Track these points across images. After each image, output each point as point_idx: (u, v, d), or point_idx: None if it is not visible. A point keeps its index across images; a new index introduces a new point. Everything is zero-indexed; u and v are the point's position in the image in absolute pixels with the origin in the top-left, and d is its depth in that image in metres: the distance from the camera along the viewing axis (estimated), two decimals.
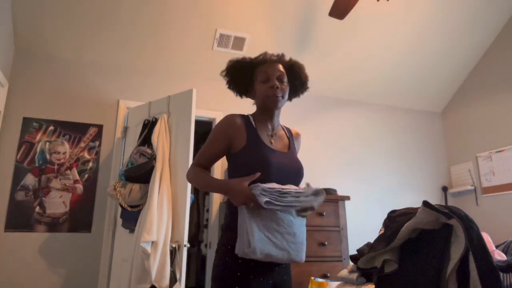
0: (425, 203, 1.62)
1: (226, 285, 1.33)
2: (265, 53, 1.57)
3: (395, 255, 1.80)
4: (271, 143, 1.50)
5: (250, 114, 1.56)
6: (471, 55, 4.43)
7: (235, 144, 1.46)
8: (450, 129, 4.87)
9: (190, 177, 1.51)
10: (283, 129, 1.63)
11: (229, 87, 1.61)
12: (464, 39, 4.22)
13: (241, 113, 1.54)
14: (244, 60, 1.55)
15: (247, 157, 1.43)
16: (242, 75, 1.55)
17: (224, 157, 1.54)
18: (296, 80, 1.58)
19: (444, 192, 4.63)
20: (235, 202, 1.34)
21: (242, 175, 1.38)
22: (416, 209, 1.88)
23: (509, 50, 4.16)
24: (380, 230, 2.17)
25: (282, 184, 1.39)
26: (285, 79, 1.52)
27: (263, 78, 1.49)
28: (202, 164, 1.51)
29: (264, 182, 1.35)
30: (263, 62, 1.53)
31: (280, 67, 1.53)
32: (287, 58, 1.58)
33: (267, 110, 1.53)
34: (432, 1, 3.76)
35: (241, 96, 1.62)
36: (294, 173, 1.48)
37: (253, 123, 1.51)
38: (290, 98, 1.62)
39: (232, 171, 1.50)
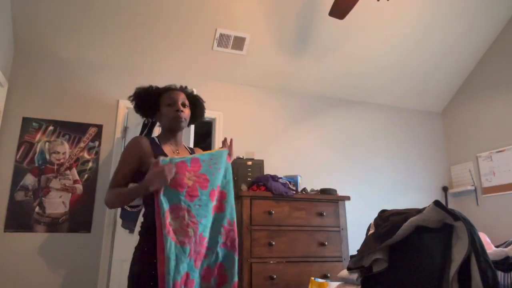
0: (437, 203, 1.65)
1: (142, 283, 1.46)
2: (170, 85, 1.80)
3: (386, 255, 1.81)
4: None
5: (156, 136, 1.74)
6: (471, 55, 4.43)
7: (144, 163, 1.59)
8: (450, 129, 4.86)
9: (110, 200, 1.56)
10: (186, 149, 1.83)
11: (136, 111, 1.80)
12: (464, 40, 4.22)
13: (147, 135, 1.76)
14: (151, 88, 1.76)
15: None
16: (149, 100, 1.74)
17: None
18: (197, 109, 1.84)
19: (444, 192, 4.63)
20: (158, 184, 1.45)
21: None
22: (406, 210, 1.89)
23: (509, 50, 4.15)
24: (370, 230, 2.17)
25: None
26: (187, 106, 1.76)
27: (169, 102, 1.70)
28: (118, 185, 1.59)
29: None
30: (169, 89, 1.76)
31: (183, 95, 1.76)
32: (190, 90, 1.84)
33: (172, 131, 1.74)
34: (432, 2, 3.75)
35: (147, 118, 1.82)
36: None
37: (158, 142, 1.68)
38: (189, 124, 1.83)
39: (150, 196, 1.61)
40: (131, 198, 1.54)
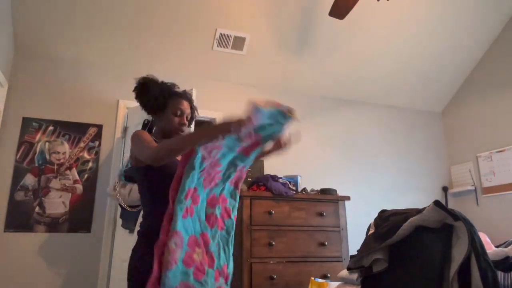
0: (437, 203, 1.65)
1: (142, 284, 1.42)
2: (175, 85, 1.75)
3: (386, 255, 1.81)
4: None
5: (151, 134, 1.70)
6: (471, 55, 4.43)
7: None
8: (450, 129, 4.86)
9: (164, 150, 1.43)
10: None
11: (138, 101, 1.71)
12: (464, 40, 4.22)
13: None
14: (162, 86, 1.69)
15: (159, 169, 1.53)
16: (155, 94, 1.66)
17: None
18: (190, 119, 1.80)
19: (444, 192, 4.63)
20: (234, 131, 1.40)
21: (153, 189, 1.56)
22: (406, 210, 1.89)
23: (509, 50, 4.15)
24: (370, 230, 2.17)
25: None
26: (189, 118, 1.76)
27: (178, 112, 1.69)
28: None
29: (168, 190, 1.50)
30: (179, 96, 1.72)
31: (189, 106, 1.75)
32: (192, 98, 1.81)
33: (168, 137, 1.69)
34: (432, 2, 3.75)
35: (149, 112, 1.72)
36: None
37: (157, 141, 1.65)
38: None
39: (145, 188, 1.61)
40: (197, 142, 1.42)
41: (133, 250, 1.56)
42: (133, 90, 1.71)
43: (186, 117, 1.73)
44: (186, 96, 1.75)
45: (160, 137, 1.72)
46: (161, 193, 1.53)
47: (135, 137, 1.58)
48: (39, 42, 3.41)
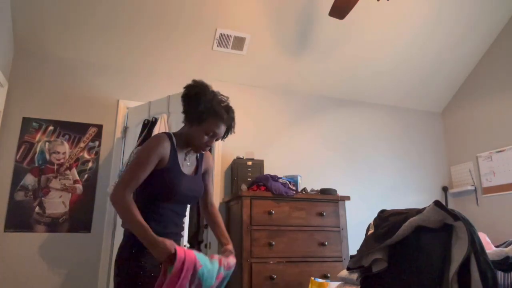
0: (437, 203, 1.65)
1: (132, 281, 1.46)
2: (224, 101, 1.69)
3: (385, 255, 1.81)
4: (183, 165, 1.68)
5: (173, 133, 1.69)
6: (471, 55, 4.43)
7: (159, 163, 1.58)
8: (450, 129, 4.86)
9: (120, 206, 1.45)
10: (196, 155, 1.80)
11: (184, 102, 1.67)
12: (464, 40, 4.22)
13: (169, 136, 1.64)
14: (214, 99, 1.64)
15: (163, 178, 1.57)
16: (202, 109, 1.61)
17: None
18: (224, 135, 1.75)
19: (444, 192, 4.63)
20: (158, 257, 1.41)
21: (151, 192, 1.57)
22: (406, 210, 1.89)
23: (509, 50, 4.15)
24: (369, 230, 2.17)
25: (180, 203, 1.65)
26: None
27: (210, 133, 1.64)
28: (133, 188, 1.50)
29: (169, 203, 1.59)
30: (218, 116, 1.63)
31: (224, 129, 1.69)
32: (232, 123, 1.73)
33: (190, 145, 1.69)
34: (432, 2, 3.76)
35: (185, 118, 1.67)
36: (194, 196, 1.72)
37: (175, 145, 1.64)
38: None
39: (143, 186, 1.57)
40: (132, 231, 1.45)
41: (121, 248, 1.56)
42: (184, 89, 1.65)
43: (217, 139, 1.69)
44: (226, 121, 1.67)
45: (181, 139, 1.67)
46: (154, 196, 1.57)
47: (141, 151, 1.55)
48: (39, 42, 3.41)
